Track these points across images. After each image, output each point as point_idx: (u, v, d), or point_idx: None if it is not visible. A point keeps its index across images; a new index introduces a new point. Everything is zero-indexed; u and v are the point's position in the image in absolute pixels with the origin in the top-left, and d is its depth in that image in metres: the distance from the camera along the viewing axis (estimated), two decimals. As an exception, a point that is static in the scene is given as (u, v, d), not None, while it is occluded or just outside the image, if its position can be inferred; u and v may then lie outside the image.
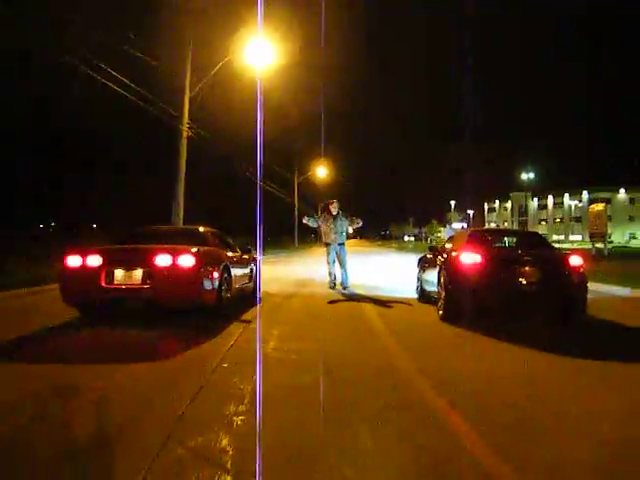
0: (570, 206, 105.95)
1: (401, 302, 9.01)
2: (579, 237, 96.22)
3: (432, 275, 8.22)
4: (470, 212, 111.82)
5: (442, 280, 7.46)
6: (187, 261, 6.44)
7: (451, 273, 7.20)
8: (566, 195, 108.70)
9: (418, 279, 9.76)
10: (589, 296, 7.19)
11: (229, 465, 2.58)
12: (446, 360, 4.93)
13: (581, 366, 4.66)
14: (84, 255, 6.51)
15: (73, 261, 6.53)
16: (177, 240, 7.51)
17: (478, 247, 7.37)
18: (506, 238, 9.95)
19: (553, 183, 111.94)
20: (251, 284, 9.45)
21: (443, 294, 7.32)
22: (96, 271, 6.38)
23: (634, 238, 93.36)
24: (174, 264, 6.40)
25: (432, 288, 8.24)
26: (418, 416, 3.29)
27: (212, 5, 19.47)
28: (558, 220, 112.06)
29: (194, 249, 6.66)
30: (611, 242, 57.30)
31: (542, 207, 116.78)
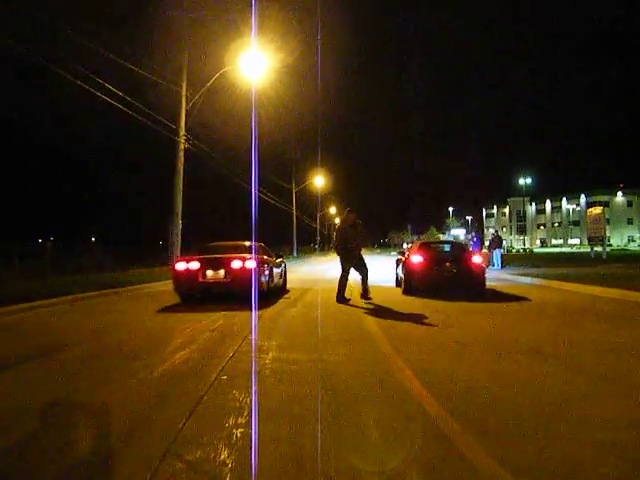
0: (568, 210, 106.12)
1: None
2: (577, 241, 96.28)
3: (400, 269, 13.07)
4: (469, 218, 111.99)
5: (403, 271, 12.34)
6: (251, 264, 10.17)
7: (406, 267, 12.01)
8: (564, 199, 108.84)
9: (395, 272, 14.46)
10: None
11: (228, 479, 2.57)
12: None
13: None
14: (188, 262, 10.40)
15: (181, 266, 10.41)
16: (238, 251, 11.02)
17: (422, 252, 12.15)
18: (440, 246, 15.45)
19: (551, 187, 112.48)
20: (281, 280, 13.35)
21: (403, 279, 12.29)
22: (196, 272, 10.20)
23: (633, 241, 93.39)
24: (243, 266, 10.16)
25: (400, 276, 12.95)
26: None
27: (208, 18, 19.62)
28: (556, 224, 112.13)
29: (256, 257, 10.40)
30: (610, 245, 57.34)
31: (540, 212, 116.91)
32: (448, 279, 11.42)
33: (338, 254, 10.74)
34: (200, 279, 10.15)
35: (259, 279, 10.25)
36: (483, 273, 11.76)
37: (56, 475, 2.71)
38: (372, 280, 11.95)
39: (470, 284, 11.46)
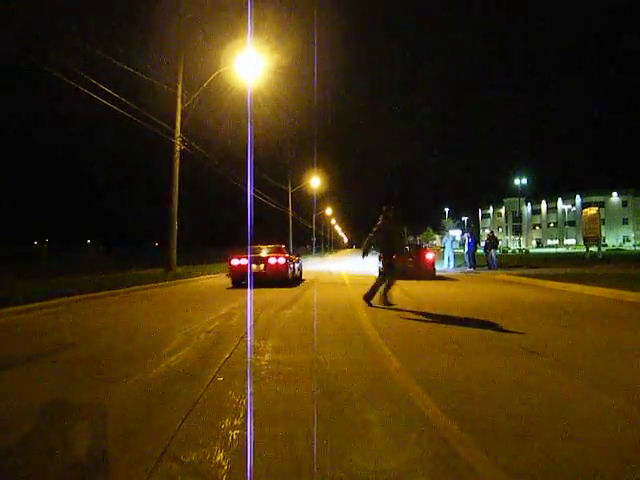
0: (564, 210, 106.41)
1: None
2: (573, 241, 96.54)
3: (380, 263, 15.74)
4: (465, 218, 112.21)
5: (380, 263, 13.91)
6: (282, 261, 15.13)
7: (383, 261, 13.05)
8: (559, 200, 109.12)
9: (378, 265, 17.90)
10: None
11: (224, 480, 2.57)
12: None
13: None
14: (239, 259, 15.05)
15: (235, 262, 15.10)
16: (272, 251, 16.09)
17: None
18: (407, 246, 20.12)
19: (546, 188, 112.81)
20: (299, 272, 18.34)
21: (382, 270, 13.34)
22: (245, 266, 14.78)
23: (628, 241, 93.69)
24: (277, 262, 15.00)
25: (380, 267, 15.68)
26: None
27: (204, 19, 19.60)
28: (552, 225, 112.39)
29: (284, 256, 15.48)
30: (605, 245, 57.47)
31: (536, 212, 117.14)
32: (409, 269, 16.87)
33: (375, 255, 10.07)
34: (233, 268, 15.31)
35: (286, 271, 15.35)
36: (433, 265, 18.15)
37: (54, 476, 2.70)
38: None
39: (423, 273, 17.64)
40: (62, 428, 3.42)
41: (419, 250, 19.21)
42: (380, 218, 9.75)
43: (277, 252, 16.01)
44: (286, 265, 15.29)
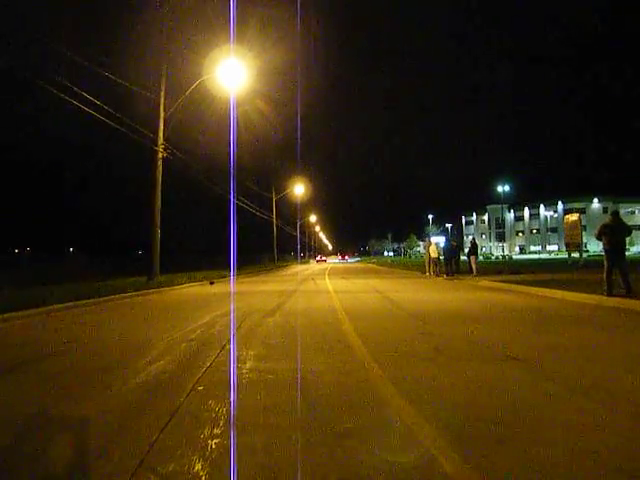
0: (546, 217, 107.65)
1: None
2: (555, 247, 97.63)
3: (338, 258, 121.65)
4: (448, 225, 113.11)
5: (338, 258, 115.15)
6: (325, 258, 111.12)
7: (339, 257, 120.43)
8: (542, 206, 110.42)
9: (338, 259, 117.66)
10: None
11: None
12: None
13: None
14: (320, 257, 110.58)
15: (317, 258, 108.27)
16: (323, 255, 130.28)
17: (341, 254, 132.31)
18: (343, 253, 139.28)
19: (529, 195, 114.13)
20: (326, 260, 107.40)
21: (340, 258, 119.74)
22: (320, 259, 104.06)
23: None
24: (324, 258, 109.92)
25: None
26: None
27: (187, 26, 19.59)
28: (535, 231, 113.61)
29: (326, 256, 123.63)
30: (587, 251, 58.15)
31: (519, 218, 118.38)
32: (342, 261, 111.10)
33: (605, 252, 11.33)
34: (320, 260, 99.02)
35: (326, 260, 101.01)
36: (346, 258, 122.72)
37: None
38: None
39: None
40: (39, 440, 3.36)
41: (345, 254, 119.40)
42: (610, 223, 11.24)
43: (323, 255, 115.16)
44: (326, 260, 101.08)
